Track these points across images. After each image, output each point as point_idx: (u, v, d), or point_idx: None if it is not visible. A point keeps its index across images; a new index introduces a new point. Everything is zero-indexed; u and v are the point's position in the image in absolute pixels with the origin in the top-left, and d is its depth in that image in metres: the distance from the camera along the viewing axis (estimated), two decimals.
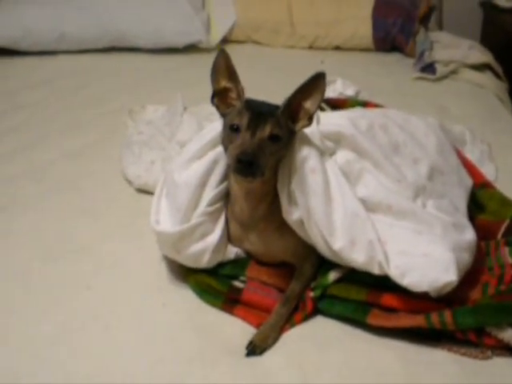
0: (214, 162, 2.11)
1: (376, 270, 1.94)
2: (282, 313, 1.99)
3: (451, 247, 1.94)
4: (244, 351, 1.90)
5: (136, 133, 2.95)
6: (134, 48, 4.07)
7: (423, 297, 1.91)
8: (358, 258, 1.95)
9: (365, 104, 2.80)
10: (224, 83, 2.00)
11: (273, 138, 1.90)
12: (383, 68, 4.01)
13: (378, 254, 1.93)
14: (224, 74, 1.99)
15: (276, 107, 1.97)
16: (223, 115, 2.01)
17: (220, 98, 2.02)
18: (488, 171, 2.68)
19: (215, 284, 2.09)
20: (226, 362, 1.87)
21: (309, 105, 1.97)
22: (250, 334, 1.95)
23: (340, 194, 2.00)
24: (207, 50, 4.02)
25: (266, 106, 1.99)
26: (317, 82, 1.94)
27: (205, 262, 2.08)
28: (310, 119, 1.98)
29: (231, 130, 1.92)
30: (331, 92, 3.01)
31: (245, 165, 1.84)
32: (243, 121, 1.90)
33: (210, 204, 2.09)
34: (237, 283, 2.10)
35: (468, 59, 3.90)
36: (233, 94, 2.01)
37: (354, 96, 3.04)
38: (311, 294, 2.02)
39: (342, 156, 2.12)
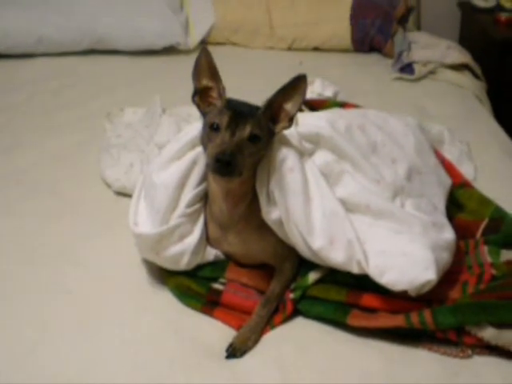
0: (193, 163, 2.10)
1: (355, 269, 1.95)
2: (262, 315, 1.99)
3: (430, 246, 1.94)
4: (224, 354, 1.90)
5: (114, 136, 2.94)
6: (112, 50, 4.05)
7: (403, 297, 1.92)
8: (337, 257, 1.95)
9: (343, 105, 2.80)
10: (205, 82, 2.00)
11: (252, 138, 1.90)
12: (362, 69, 4.00)
13: (357, 253, 1.93)
14: (206, 73, 1.99)
15: (257, 108, 1.97)
16: (203, 114, 2.01)
17: (201, 96, 2.01)
18: (467, 171, 2.68)
19: (195, 286, 2.08)
20: (207, 364, 1.86)
21: (289, 107, 1.97)
22: (230, 337, 1.95)
23: (319, 193, 2.00)
24: (186, 52, 4.01)
25: (246, 106, 1.99)
26: (298, 84, 1.94)
27: (184, 263, 2.07)
28: (290, 121, 1.98)
29: (211, 129, 1.92)
30: (310, 93, 3.00)
31: (223, 164, 1.84)
32: (223, 120, 1.90)
33: (189, 205, 2.08)
34: (216, 285, 2.09)
35: (446, 59, 3.91)
36: (214, 93, 2.01)
37: (333, 97, 3.04)
38: (291, 295, 2.02)
39: (321, 157, 2.12)
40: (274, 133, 1.99)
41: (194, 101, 2.02)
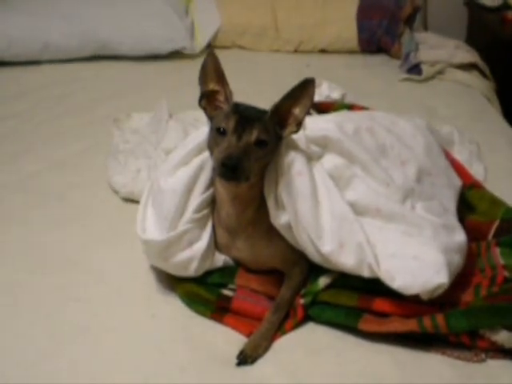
0: (200, 168, 2.08)
1: (366, 273, 1.93)
2: (273, 321, 1.97)
3: (442, 249, 1.92)
4: (235, 361, 1.88)
5: (122, 142, 2.93)
6: (118, 56, 4.05)
7: (415, 300, 1.90)
8: (347, 261, 1.93)
9: (351, 107, 2.79)
10: (212, 86, 1.98)
11: (259, 143, 1.88)
12: (369, 70, 4.00)
13: (367, 257, 1.91)
14: (212, 77, 1.97)
15: (264, 112, 1.95)
16: (210, 118, 1.99)
17: (208, 100, 2.00)
18: (477, 171, 2.67)
19: (204, 293, 2.06)
20: (218, 372, 1.85)
21: (297, 111, 1.95)
22: (241, 343, 1.93)
23: (327, 196, 1.98)
24: (192, 57, 4.01)
25: (253, 110, 1.97)
26: (306, 88, 1.92)
27: (192, 270, 2.05)
28: (298, 125, 1.96)
29: (218, 133, 1.90)
30: (317, 95, 2.98)
31: (229, 169, 1.82)
32: (230, 124, 1.88)
33: (197, 210, 2.07)
34: (226, 291, 2.08)
35: (454, 59, 3.91)
36: (221, 97, 1.99)
37: (340, 99, 3.03)
38: (301, 300, 2.00)
39: (329, 160, 2.10)
40: (282, 137, 1.97)
41: (200, 105, 2.00)
